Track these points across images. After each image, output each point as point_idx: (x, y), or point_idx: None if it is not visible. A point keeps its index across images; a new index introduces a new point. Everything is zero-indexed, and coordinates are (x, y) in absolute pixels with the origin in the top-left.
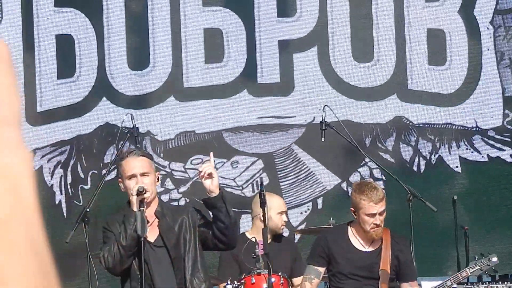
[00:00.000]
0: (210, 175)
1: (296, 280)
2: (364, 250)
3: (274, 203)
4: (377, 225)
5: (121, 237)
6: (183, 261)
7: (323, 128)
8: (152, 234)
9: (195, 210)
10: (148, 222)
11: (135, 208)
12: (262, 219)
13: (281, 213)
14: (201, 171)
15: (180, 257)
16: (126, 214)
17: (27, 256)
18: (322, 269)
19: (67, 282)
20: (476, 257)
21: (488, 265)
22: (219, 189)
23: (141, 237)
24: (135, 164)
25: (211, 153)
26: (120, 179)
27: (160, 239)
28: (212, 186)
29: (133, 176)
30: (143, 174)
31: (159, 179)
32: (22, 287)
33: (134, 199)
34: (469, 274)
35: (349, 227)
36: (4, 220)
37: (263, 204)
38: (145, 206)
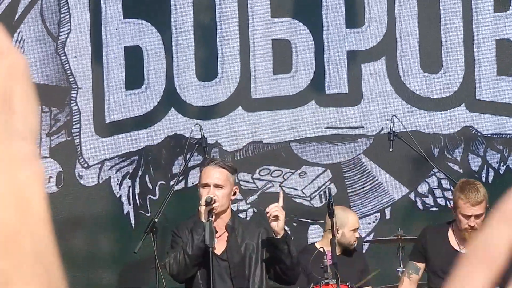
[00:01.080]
0: (276, 217)
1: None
2: (459, 250)
3: (349, 219)
4: (472, 227)
5: (188, 246)
6: (247, 281)
7: (391, 138)
8: (219, 247)
9: (267, 232)
10: (216, 232)
11: (203, 218)
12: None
13: (355, 230)
14: (268, 212)
15: (242, 275)
16: (195, 223)
17: (36, 271)
18: (421, 265)
19: None
20: None
21: None
22: (284, 230)
23: (210, 247)
24: (211, 174)
25: (281, 193)
26: (197, 185)
27: (225, 254)
28: (277, 227)
29: (206, 185)
30: (217, 186)
31: (236, 193)
32: None
33: (202, 209)
34: None
35: (449, 225)
36: (13, 234)
37: (331, 214)
38: (213, 217)
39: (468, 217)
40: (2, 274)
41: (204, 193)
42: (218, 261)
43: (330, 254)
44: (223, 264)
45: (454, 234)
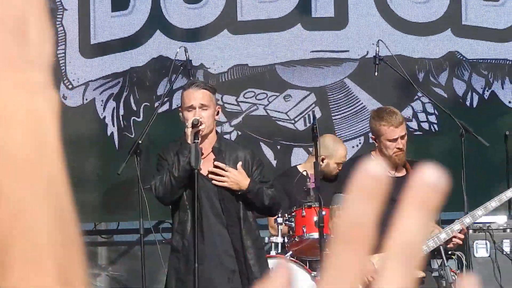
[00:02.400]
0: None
1: None
2: (391, 176)
3: (338, 153)
4: (400, 149)
5: (174, 168)
6: (235, 202)
7: (377, 62)
8: (205, 167)
9: (253, 155)
10: (202, 154)
11: (189, 140)
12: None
13: (339, 164)
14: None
15: (230, 196)
16: (181, 145)
17: (50, 200)
18: None
19: (119, 213)
20: None
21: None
22: (249, 182)
23: (195, 169)
24: (195, 96)
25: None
26: (180, 109)
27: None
28: (233, 188)
29: (191, 107)
30: (201, 106)
31: (219, 113)
32: (41, 221)
33: (188, 131)
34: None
35: (371, 155)
36: (31, 162)
37: (314, 138)
38: (199, 139)
39: (395, 140)
40: (20, 202)
41: (190, 116)
42: (204, 181)
43: (313, 178)
44: (209, 185)
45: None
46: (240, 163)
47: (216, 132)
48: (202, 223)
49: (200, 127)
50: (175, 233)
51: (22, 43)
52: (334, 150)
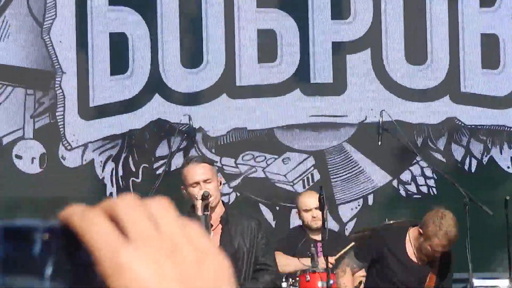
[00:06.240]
0: None
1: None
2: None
3: (300, 200)
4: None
5: None
6: (239, 274)
7: (380, 132)
8: (214, 241)
9: (259, 224)
10: (212, 226)
11: (199, 212)
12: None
13: (306, 210)
14: None
15: (235, 269)
16: (191, 218)
17: None
18: (365, 264)
19: None
20: None
21: None
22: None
23: None
24: (197, 172)
25: None
26: (182, 187)
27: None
28: None
29: (196, 183)
30: (205, 181)
31: (221, 183)
32: None
33: (199, 204)
34: None
35: (406, 235)
36: None
37: (322, 207)
38: (208, 211)
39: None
40: None
41: (195, 191)
42: None
43: (321, 245)
44: None
45: (411, 244)
46: None
47: (223, 202)
48: None
49: (210, 199)
50: None
51: None
52: (298, 200)
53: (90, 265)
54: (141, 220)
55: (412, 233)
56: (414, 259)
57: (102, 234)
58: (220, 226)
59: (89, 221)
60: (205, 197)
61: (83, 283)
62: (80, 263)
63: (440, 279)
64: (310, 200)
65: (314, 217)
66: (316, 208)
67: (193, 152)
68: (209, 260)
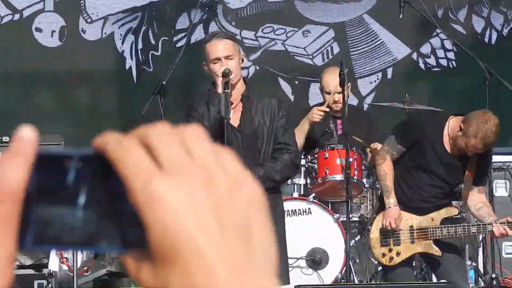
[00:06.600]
0: None
1: (374, 145)
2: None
3: (323, 81)
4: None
5: (204, 118)
6: (258, 152)
7: (402, 5)
8: (235, 117)
9: (280, 102)
10: (232, 104)
11: (220, 90)
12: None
13: (328, 93)
14: None
15: (254, 147)
16: (211, 95)
17: None
18: (404, 150)
19: None
20: None
21: None
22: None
23: (225, 118)
24: (219, 47)
25: None
26: (204, 63)
27: (239, 125)
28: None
29: (217, 59)
30: (227, 57)
31: (243, 61)
32: None
33: (219, 80)
34: None
35: (445, 124)
36: None
37: (342, 83)
38: (229, 88)
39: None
40: None
41: (217, 68)
42: (235, 133)
43: (340, 122)
44: (238, 136)
45: (449, 137)
46: None
47: (244, 79)
48: None
49: (231, 76)
50: None
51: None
52: (322, 80)
53: (123, 194)
54: (175, 148)
55: (452, 123)
56: (449, 149)
57: (136, 162)
58: (240, 104)
59: (123, 149)
60: (225, 74)
61: (115, 213)
62: (113, 192)
63: (476, 177)
64: (332, 81)
65: (335, 101)
66: (338, 93)
67: (213, 25)
68: (243, 189)
